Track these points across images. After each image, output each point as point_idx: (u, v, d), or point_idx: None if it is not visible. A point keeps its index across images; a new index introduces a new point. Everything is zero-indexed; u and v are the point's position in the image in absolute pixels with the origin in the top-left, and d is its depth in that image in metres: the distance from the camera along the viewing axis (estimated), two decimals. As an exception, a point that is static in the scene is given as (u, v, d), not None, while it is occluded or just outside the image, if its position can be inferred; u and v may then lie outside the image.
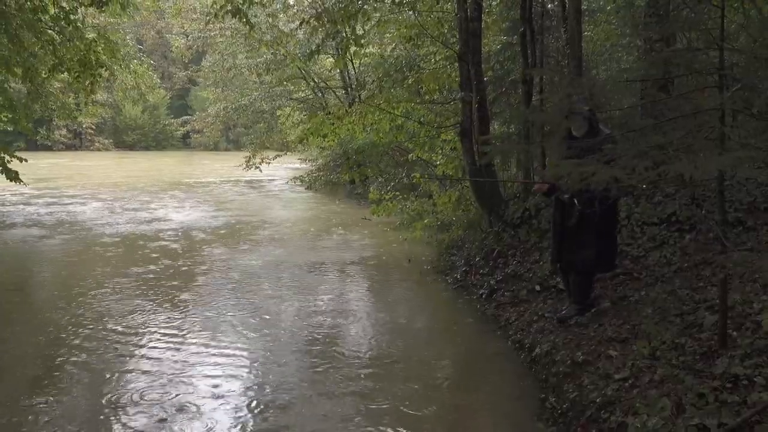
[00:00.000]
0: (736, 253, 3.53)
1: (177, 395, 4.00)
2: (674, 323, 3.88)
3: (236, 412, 3.79)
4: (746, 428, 2.63)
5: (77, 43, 9.10)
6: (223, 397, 3.99)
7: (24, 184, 10.26)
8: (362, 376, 4.42)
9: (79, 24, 9.25)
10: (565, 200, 4.59)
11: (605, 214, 4.45)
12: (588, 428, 3.30)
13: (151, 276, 7.43)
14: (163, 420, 3.66)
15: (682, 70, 4.21)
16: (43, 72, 9.64)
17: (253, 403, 3.90)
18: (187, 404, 3.87)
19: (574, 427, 3.42)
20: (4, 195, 15.66)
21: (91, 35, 10.17)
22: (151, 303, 6.21)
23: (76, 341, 5.06)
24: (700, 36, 5.07)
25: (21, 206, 14.10)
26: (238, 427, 3.60)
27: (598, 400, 3.42)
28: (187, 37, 21.30)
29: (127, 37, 15.94)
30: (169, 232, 10.78)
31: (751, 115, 3.74)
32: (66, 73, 9.63)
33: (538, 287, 5.69)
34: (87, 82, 9.57)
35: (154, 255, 8.78)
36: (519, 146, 6.58)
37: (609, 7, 9.49)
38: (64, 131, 43.89)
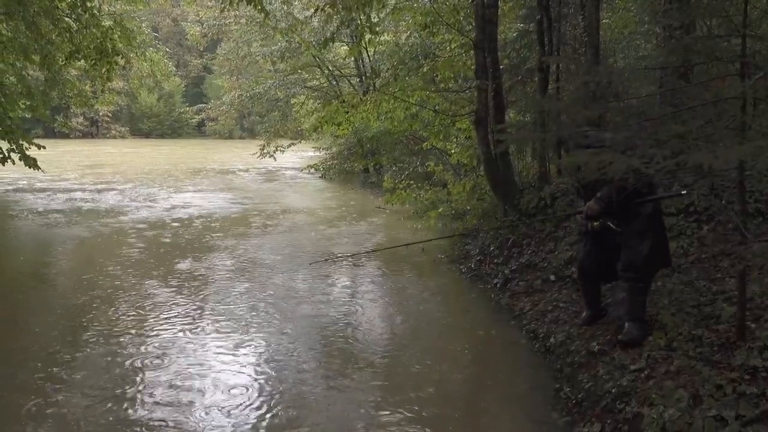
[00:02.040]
0: (756, 244, 3.47)
1: (190, 383, 4.05)
2: (691, 314, 3.84)
3: (249, 402, 3.81)
4: (764, 420, 2.60)
5: (94, 30, 9.15)
6: (236, 386, 4.03)
7: (42, 171, 10.37)
8: (376, 366, 4.43)
9: (95, 11, 9.30)
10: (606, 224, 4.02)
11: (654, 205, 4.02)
12: (603, 418, 3.29)
13: (164, 264, 7.49)
14: (175, 407, 3.70)
15: (703, 57, 4.14)
16: (60, 59, 9.70)
17: (266, 393, 3.93)
18: (200, 391, 3.92)
19: (588, 417, 3.41)
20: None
21: (107, 23, 10.21)
22: (166, 288, 6.27)
23: (94, 325, 5.13)
24: (722, 23, 4.97)
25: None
26: (252, 417, 3.63)
27: (613, 390, 3.40)
28: (202, 24, 21.36)
29: (143, 25, 15.96)
30: (184, 219, 10.85)
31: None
32: (83, 61, 9.70)
33: (553, 277, 5.66)
34: (103, 70, 9.64)
35: (167, 243, 8.85)
36: (535, 135, 6.49)
37: (628, -6, 9.35)
38: (81, 119, 44.28)
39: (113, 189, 15.46)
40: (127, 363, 4.36)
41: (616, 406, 3.27)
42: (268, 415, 3.60)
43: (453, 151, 9.47)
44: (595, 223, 4.02)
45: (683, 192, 4.48)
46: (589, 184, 4.02)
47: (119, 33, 10.09)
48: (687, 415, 2.79)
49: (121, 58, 10.25)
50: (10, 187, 15.22)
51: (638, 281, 3.91)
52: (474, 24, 7.63)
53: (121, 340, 4.81)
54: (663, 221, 4.24)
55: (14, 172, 14.17)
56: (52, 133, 37.30)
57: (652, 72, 5.54)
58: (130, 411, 3.63)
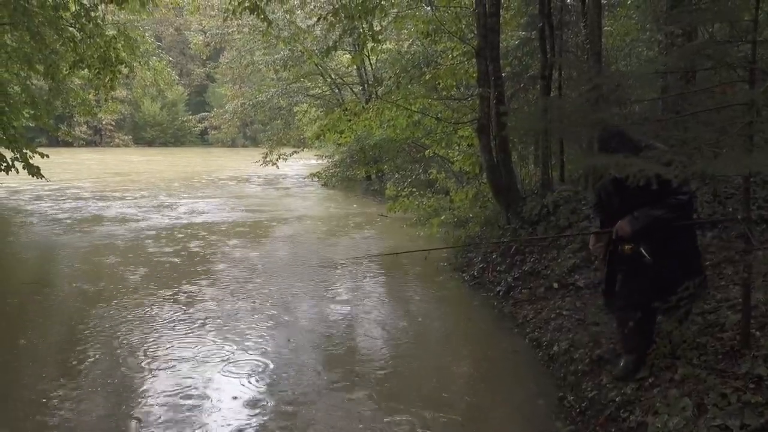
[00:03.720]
0: (761, 252, 3.45)
1: (192, 387, 4.03)
2: (695, 322, 3.82)
3: (251, 406, 3.80)
4: (770, 430, 2.58)
5: (97, 40, 9.20)
6: (238, 391, 4.02)
7: (46, 179, 10.39)
8: (378, 373, 4.42)
9: (99, 21, 9.34)
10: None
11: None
12: (607, 427, 3.27)
13: (167, 270, 7.49)
14: (178, 410, 3.69)
15: (711, 63, 4.11)
16: (64, 69, 9.74)
17: (268, 399, 3.92)
18: (202, 396, 3.90)
19: (592, 426, 3.38)
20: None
21: (111, 32, 10.27)
22: (169, 296, 6.26)
23: (94, 332, 5.12)
24: (728, 28, 4.96)
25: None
26: (253, 421, 3.61)
27: (617, 399, 3.38)
28: (205, 33, 21.44)
29: (146, 34, 16.01)
30: (187, 227, 10.86)
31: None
32: (86, 70, 9.74)
33: (556, 285, 5.64)
34: (107, 79, 9.68)
35: (170, 251, 8.85)
36: (540, 124, 6.42)
37: (629, 1, 9.37)
38: (84, 127, 44.39)
39: (121, 198, 15.50)
40: (129, 369, 4.35)
41: (620, 415, 3.25)
42: (269, 423, 3.58)
43: (455, 159, 9.47)
44: (626, 247, 3.47)
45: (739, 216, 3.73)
46: (622, 197, 3.44)
47: (123, 42, 10.15)
48: (691, 424, 2.77)
49: (125, 67, 10.28)
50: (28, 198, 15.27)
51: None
52: (476, 32, 7.65)
53: (125, 341, 4.81)
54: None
55: (31, 182, 14.20)
56: (55, 142, 37.32)
57: (655, 79, 5.54)
58: (129, 414, 3.62)
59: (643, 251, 3.41)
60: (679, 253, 3.49)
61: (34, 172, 9.81)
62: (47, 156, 10.43)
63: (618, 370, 3.61)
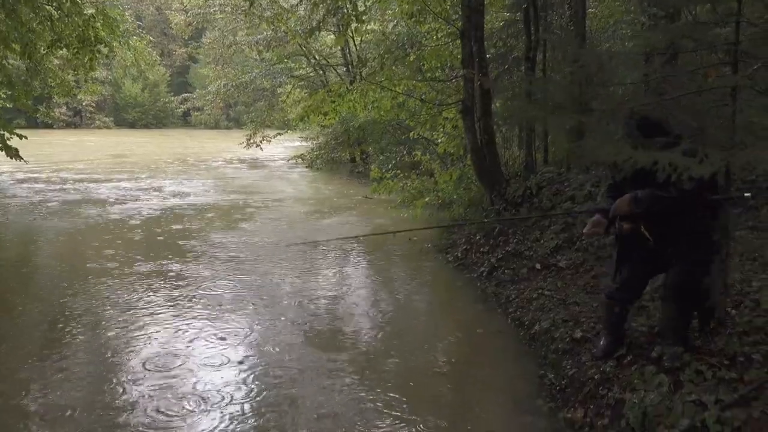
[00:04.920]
0: (737, 233, 3.52)
1: (177, 372, 4.04)
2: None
3: (237, 389, 3.82)
4: (743, 404, 2.65)
5: (75, 18, 9.00)
6: (223, 374, 4.03)
7: (24, 161, 10.23)
8: (362, 353, 4.46)
9: (77, -1, 9.14)
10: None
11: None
12: (586, 404, 3.33)
13: (153, 254, 7.44)
14: (161, 396, 3.69)
15: (695, 45, 4.12)
16: (42, 48, 9.54)
17: (254, 380, 3.93)
18: (186, 376, 3.91)
19: (572, 403, 3.45)
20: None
21: (89, 11, 10.04)
22: (153, 280, 6.23)
23: (79, 316, 5.09)
24: (711, 9, 4.99)
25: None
26: (238, 403, 3.63)
27: (596, 376, 3.45)
28: (187, 13, 21.07)
29: (126, 13, 15.74)
30: (172, 209, 10.78)
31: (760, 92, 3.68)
32: (65, 50, 9.55)
33: (538, 265, 5.70)
34: (86, 59, 9.51)
35: (154, 234, 8.80)
36: (527, 112, 6.41)
37: (613, -17, 9.35)
38: (64, 109, 43.61)
39: (105, 180, 15.33)
40: (113, 350, 4.34)
41: (599, 392, 3.32)
42: (253, 409, 3.60)
43: (440, 141, 9.47)
44: (625, 226, 3.28)
45: (747, 194, 3.60)
46: (635, 177, 3.16)
47: (102, 21, 9.93)
48: (667, 399, 2.83)
49: (104, 46, 10.08)
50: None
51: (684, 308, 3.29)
52: (461, 13, 7.61)
53: (108, 321, 4.79)
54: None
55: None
56: (34, 123, 36.74)
57: (639, 61, 5.56)
58: (113, 399, 3.62)
59: (644, 231, 3.22)
60: (685, 236, 3.18)
61: (12, 153, 9.65)
62: (25, 137, 10.26)
63: (598, 350, 3.64)
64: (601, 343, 3.66)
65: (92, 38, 9.19)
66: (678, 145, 2.92)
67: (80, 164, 19.58)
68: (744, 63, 3.76)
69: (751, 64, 3.79)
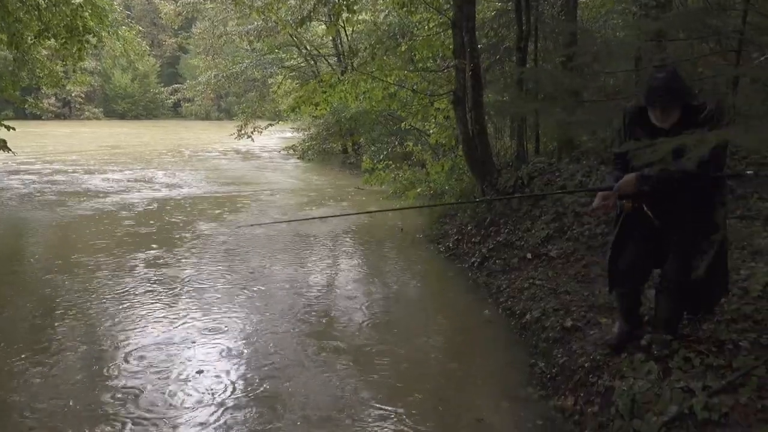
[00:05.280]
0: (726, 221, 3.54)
1: (169, 362, 4.04)
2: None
3: (228, 381, 3.82)
4: (730, 390, 2.68)
5: (63, 8, 8.90)
6: (215, 362, 4.03)
7: (12, 152, 10.13)
8: (355, 344, 4.47)
9: (64, -12, 9.04)
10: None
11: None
12: (576, 392, 3.36)
13: (143, 245, 7.41)
14: (154, 387, 3.69)
15: (695, 34, 4.12)
16: (29, 38, 9.43)
17: (245, 372, 3.94)
18: (180, 370, 3.91)
19: (562, 391, 3.48)
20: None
21: (77, 0, 9.94)
22: (144, 271, 6.21)
23: (69, 307, 5.07)
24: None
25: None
26: (230, 394, 3.63)
27: (586, 364, 3.47)
28: (176, 2, 20.88)
29: (115, 3, 15.54)
30: (164, 201, 10.73)
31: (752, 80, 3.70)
32: (52, 40, 9.45)
33: (529, 255, 5.72)
34: (74, 49, 9.40)
35: (145, 225, 8.76)
36: (524, 106, 6.41)
37: (605, -27, 9.33)
38: (52, 100, 43.27)
39: (97, 171, 15.22)
40: (102, 343, 4.33)
41: (589, 380, 3.34)
42: (247, 394, 3.61)
43: (432, 131, 9.46)
44: (627, 204, 3.05)
45: (749, 171, 3.51)
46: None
47: (90, 11, 9.82)
48: (656, 386, 2.86)
49: (93, 36, 9.98)
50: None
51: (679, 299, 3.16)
52: (452, 3, 7.58)
53: (99, 314, 4.78)
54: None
55: None
56: (23, 115, 36.45)
57: (630, 50, 5.57)
58: (103, 392, 3.62)
59: (646, 209, 3.01)
60: (690, 218, 2.97)
61: (0, 145, 9.56)
62: (13, 128, 10.16)
63: (612, 337, 3.50)
64: (615, 329, 3.53)
65: (80, 28, 9.09)
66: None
67: (74, 155, 19.44)
68: (745, 52, 3.77)
69: (751, 54, 3.81)
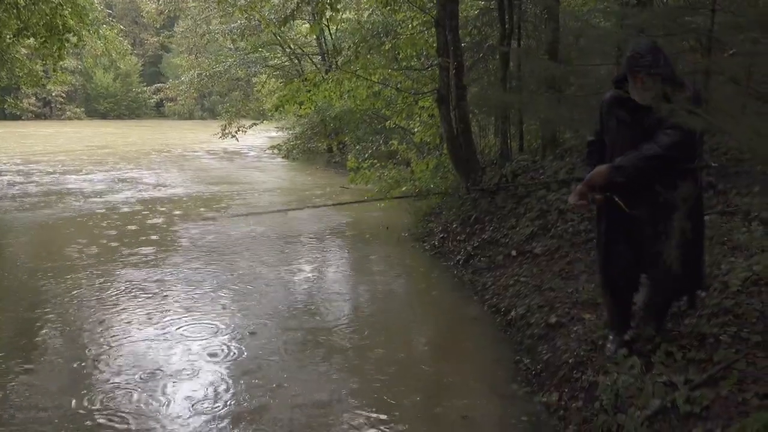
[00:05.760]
0: (707, 216, 3.59)
1: (155, 365, 4.00)
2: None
3: (215, 381, 3.79)
4: (711, 384, 2.71)
5: (42, 6, 8.80)
6: (201, 367, 4.00)
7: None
8: (341, 342, 4.46)
9: (43, -14, 8.92)
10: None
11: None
12: (561, 388, 3.38)
13: (129, 247, 7.34)
14: (140, 388, 3.66)
15: (667, 31, 4.18)
16: (8, 37, 9.32)
17: (233, 374, 3.91)
18: (166, 374, 3.88)
19: (547, 387, 3.50)
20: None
21: (56, -1, 9.82)
22: (129, 273, 6.15)
23: (54, 309, 5.01)
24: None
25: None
26: (218, 396, 3.61)
27: (570, 360, 3.50)
28: (158, 1, 20.72)
29: (96, 1, 15.38)
30: (148, 201, 10.63)
31: (730, 80, 3.75)
32: (32, 39, 9.33)
33: (514, 252, 5.75)
34: (54, 48, 9.31)
35: (132, 226, 8.67)
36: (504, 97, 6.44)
37: (587, -28, 9.40)
38: (33, 99, 42.66)
39: (79, 171, 15.04)
40: (86, 346, 4.28)
41: (574, 375, 3.37)
42: (230, 399, 3.59)
43: (416, 130, 9.47)
44: (597, 196, 2.93)
45: (714, 164, 3.36)
46: (635, 134, 2.84)
47: (70, 9, 9.71)
48: (639, 381, 2.89)
49: (73, 35, 9.88)
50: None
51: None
52: (435, 1, 7.60)
53: (85, 313, 4.73)
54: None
55: None
56: (2, 115, 35.95)
57: (611, 49, 5.62)
58: (85, 400, 3.58)
59: (617, 200, 2.88)
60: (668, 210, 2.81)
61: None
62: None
63: (608, 351, 3.32)
64: (611, 345, 3.32)
65: (60, 27, 9.00)
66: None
67: (61, 155, 19.22)
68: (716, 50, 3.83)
69: (723, 50, 3.87)
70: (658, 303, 3.18)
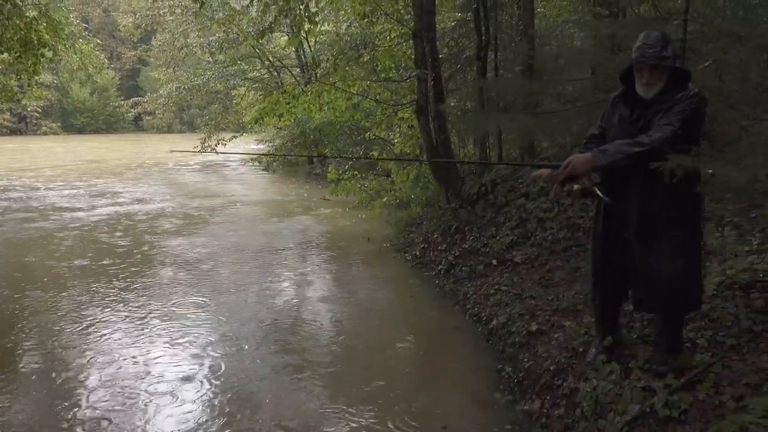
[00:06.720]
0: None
1: (135, 383, 3.95)
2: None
3: (195, 394, 3.75)
4: (689, 388, 2.75)
5: (17, 21, 8.71)
6: (181, 385, 3.95)
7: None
8: (323, 354, 4.45)
9: (18, 1, 8.84)
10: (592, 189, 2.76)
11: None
12: (542, 395, 3.41)
13: (107, 262, 7.25)
14: (119, 410, 3.61)
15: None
16: (-19, 52, 9.21)
17: (215, 389, 3.87)
18: (146, 392, 3.83)
19: (529, 394, 3.52)
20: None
21: (31, 13, 9.73)
22: (108, 290, 6.07)
23: (28, 332, 4.92)
24: (653, 7, 5.17)
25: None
26: (197, 408, 3.57)
27: (551, 368, 3.53)
28: (135, 15, 20.66)
29: (71, 16, 15.27)
30: (127, 216, 10.51)
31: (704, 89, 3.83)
32: (6, 54, 9.22)
33: (495, 261, 5.79)
34: (29, 63, 9.21)
35: (110, 242, 8.57)
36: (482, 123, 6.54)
37: (561, -17, 9.57)
38: (7, 115, 42.12)
39: (56, 187, 14.83)
40: (65, 366, 4.21)
41: (555, 383, 3.39)
42: (215, 410, 3.55)
43: (396, 141, 9.51)
44: (575, 187, 2.74)
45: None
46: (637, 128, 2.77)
47: (45, 24, 9.65)
48: (618, 386, 2.92)
49: (49, 50, 9.79)
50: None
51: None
52: (413, 13, 7.66)
53: (66, 330, 4.65)
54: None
55: None
56: (-24, 131, 35.35)
57: (586, 58, 5.71)
58: (72, 408, 3.52)
59: (597, 190, 2.74)
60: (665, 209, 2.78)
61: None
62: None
63: (589, 356, 3.31)
64: (596, 345, 3.32)
65: (35, 41, 8.92)
66: None
67: (48, 171, 18.95)
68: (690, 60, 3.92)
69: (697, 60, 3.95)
70: (668, 330, 2.98)
